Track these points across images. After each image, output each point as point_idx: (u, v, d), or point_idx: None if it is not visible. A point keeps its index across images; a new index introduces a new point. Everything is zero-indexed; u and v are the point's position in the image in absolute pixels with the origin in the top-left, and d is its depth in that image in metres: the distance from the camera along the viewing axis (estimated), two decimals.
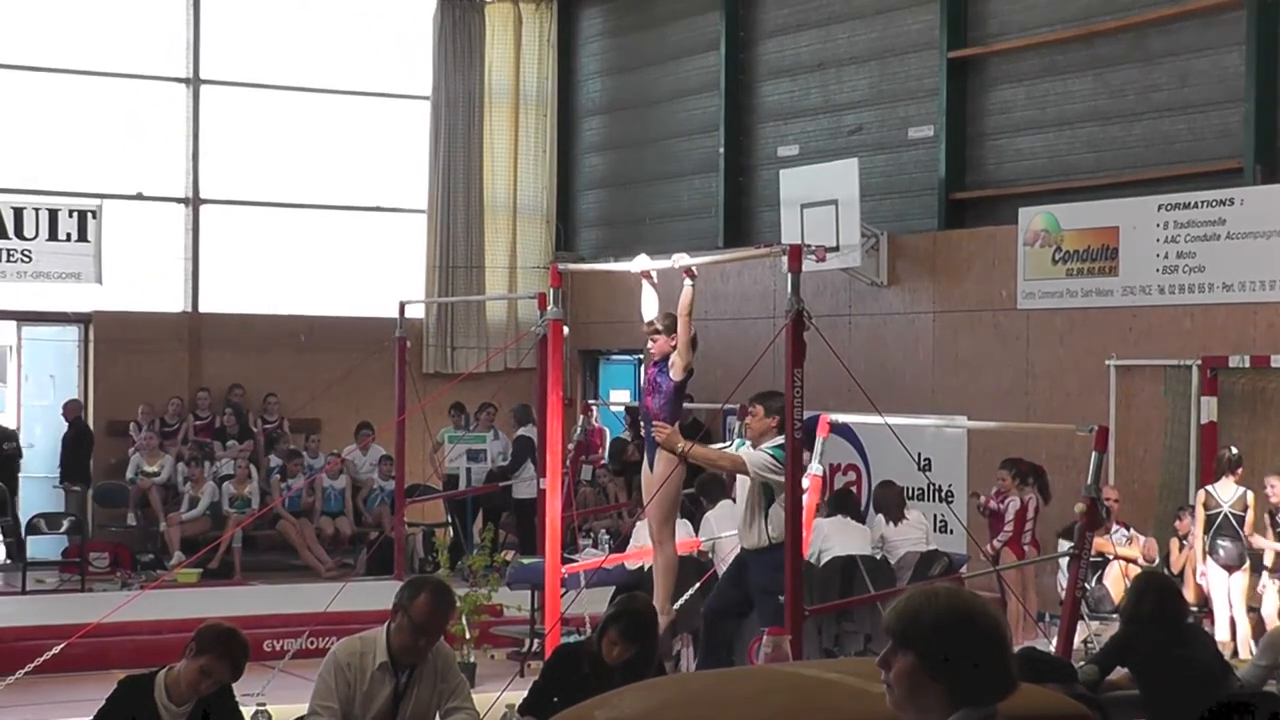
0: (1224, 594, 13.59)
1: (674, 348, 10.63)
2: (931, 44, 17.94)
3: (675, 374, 10.62)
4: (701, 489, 14.32)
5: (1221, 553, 13.55)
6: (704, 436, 18.89)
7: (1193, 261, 15.04)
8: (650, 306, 11.08)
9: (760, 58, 20.42)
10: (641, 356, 21.99)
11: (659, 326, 10.79)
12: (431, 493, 19.44)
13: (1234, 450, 13.86)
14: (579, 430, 18.07)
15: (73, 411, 20.06)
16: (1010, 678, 3.82)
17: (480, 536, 14.87)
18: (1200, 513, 13.68)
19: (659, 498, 10.76)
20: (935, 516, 16.09)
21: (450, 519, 19.16)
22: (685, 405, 19.01)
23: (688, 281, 10.62)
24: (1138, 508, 15.19)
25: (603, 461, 20.89)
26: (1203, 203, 15.00)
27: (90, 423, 20.48)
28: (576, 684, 7.47)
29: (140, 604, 13.22)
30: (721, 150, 20.66)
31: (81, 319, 20.87)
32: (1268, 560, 13.58)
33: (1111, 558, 14.27)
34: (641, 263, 11.13)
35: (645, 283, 11.13)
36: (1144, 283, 15.45)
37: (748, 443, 10.90)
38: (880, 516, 14.03)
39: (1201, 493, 13.80)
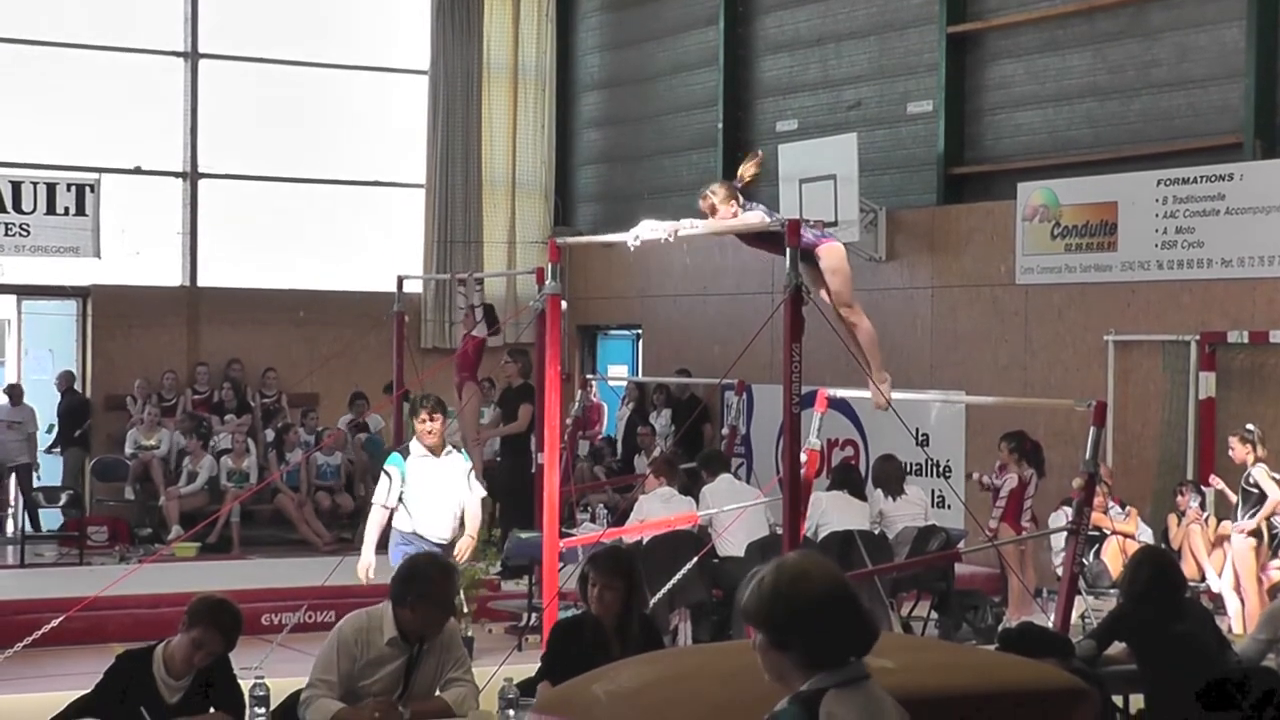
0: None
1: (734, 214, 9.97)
2: (931, 19, 17.89)
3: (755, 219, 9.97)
4: (703, 463, 14.33)
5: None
6: (702, 411, 19.08)
7: (1192, 237, 15.03)
8: (664, 228, 10.56)
9: (759, 33, 20.38)
10: (640, 331, 22.00)
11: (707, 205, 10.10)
12: None
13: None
14: (577, 405, 18.07)
15: (65, 383, 20.13)
16: (862, 632, 3.98)
17: None
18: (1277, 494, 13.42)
19: (840, 283, 10.14)
20: (933, 492, 16.09)
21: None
22: (685, 380, 19.23)
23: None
24: (1135, 483, 15.20)
25: (600, 436, 20.91)
26: (1202, 178, 14.98)
27: (88, 396, 20.51)
28: (579, 656, 7.51)
29: (138, 578, 13.23)
30: (720, 125, 20.62)
31: (80, 293, 20.86)
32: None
33: (1109, 533, 14.28)
34: (645, 227, 10.76)
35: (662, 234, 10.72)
36: (1143, 258, 15.43)
37: None
38: (880, 491, 14.03)
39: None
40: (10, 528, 19.43)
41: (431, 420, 11.35)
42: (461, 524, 11.49)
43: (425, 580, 7.40)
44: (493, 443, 18.04)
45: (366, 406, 20.19)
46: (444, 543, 11.29)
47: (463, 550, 11.50)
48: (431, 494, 11.31)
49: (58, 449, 20.27)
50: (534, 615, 12.94)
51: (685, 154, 21.51)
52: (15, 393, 19.96)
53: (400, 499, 11.32)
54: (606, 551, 8.50)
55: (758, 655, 4.01)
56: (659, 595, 11.98)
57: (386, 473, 11.36)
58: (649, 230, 10.48)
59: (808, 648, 3.93)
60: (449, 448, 11.54)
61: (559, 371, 11.40)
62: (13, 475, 19.55)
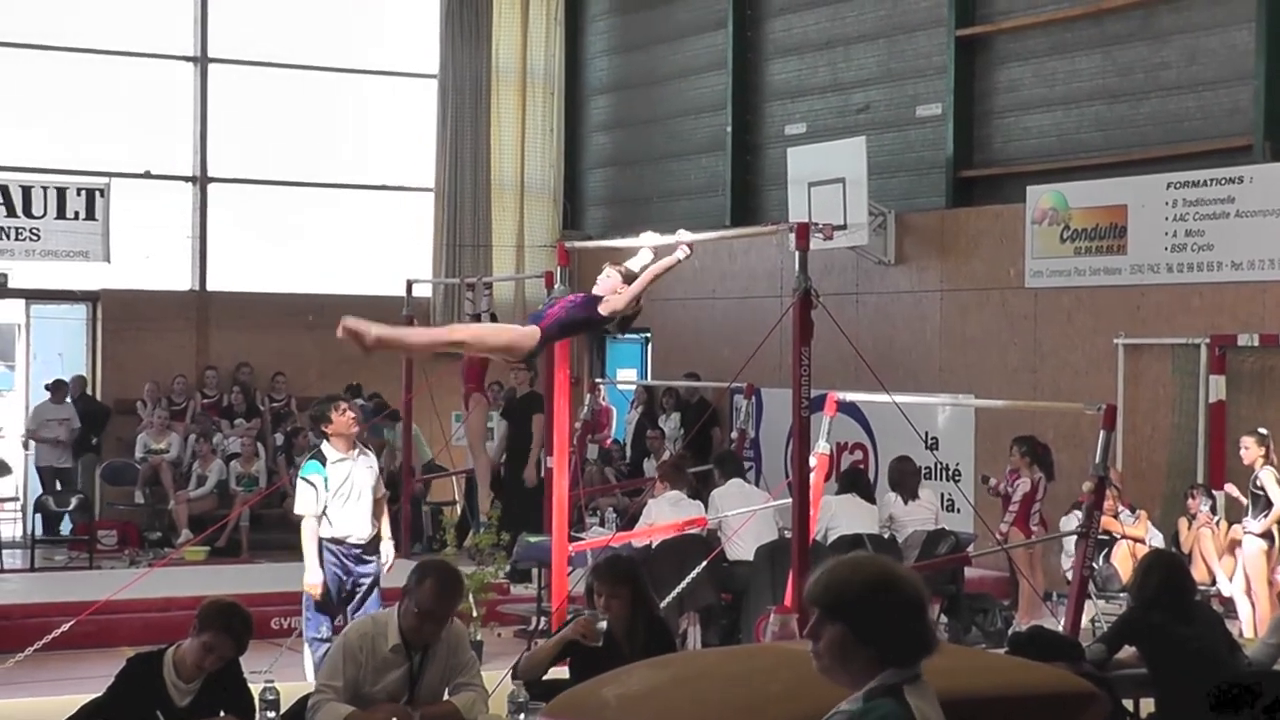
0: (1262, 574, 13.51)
1: (618, 293, 9.99)
2: (940, 22, 17.89)
3: (603, 308, 9.41)
4: (718, 464, 14.32)
5: None
6: (711, 415, 19.07)
7: (1201, 240, 15.01)
8: (637, 261, 10.64)
9: (768, 36, 20.37)
10: (649, 335, 22.00)
11: (623, 269, 10.14)
12: (441, 470, 19.42)
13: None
14: (586, 409, 18.06)
15: (78, 389, 20.10)
16: (931, 639, 4.09)
17: (487, 515, 14.88)
18: None
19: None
20: (942, 495, 16.07)
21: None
22: (694, 384, 19.20)
23: (680, 251, 10.17)
24: (1145, 487, 15.17)
25: (609, 440, 20.89)
26: (1212, 181, 14.95)
27: (99, 400, 20.52)
28: (591, 661, 7.55)
29: (148, 582, 13.23)
30: (729, 129, 20.62)
31: (89, 297, 20.88)
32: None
33: (1119, 537, 14.25)
34: (648, 239, 10.96)
35: (648, 249, 10.87)
36: (1152, 261, 15.42)
37: None
38: (891, 494, 14.02)
39: None
40: (21, 531, 19.44)
41: (350, 411, 11.14)
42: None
43: (419, 581, 7.40)
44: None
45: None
46: (364, 542, 11.14)
47: (390, 559, 11.40)
48: (352, 496, 11.08)
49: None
50: (543, 619, 12.93)
51: (694, 157, 21.51)
52: (60, 389, 19.85)
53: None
54: (606, 561, 8.56)
55: (821, 645, 4.04)
56: (668, 599, 11.97)
57: (310, 482, 11.00)
58: (655, 238, 10.54)
59: (894, 645, 4.02)
60: (359, 446, 11.27)
61: (568, 375, 11.42)
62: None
